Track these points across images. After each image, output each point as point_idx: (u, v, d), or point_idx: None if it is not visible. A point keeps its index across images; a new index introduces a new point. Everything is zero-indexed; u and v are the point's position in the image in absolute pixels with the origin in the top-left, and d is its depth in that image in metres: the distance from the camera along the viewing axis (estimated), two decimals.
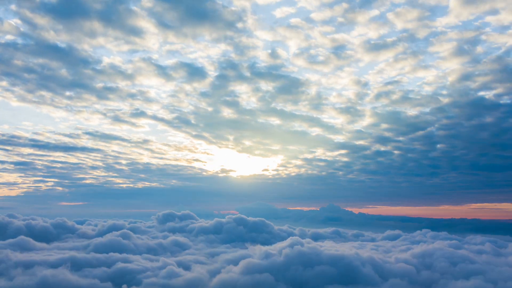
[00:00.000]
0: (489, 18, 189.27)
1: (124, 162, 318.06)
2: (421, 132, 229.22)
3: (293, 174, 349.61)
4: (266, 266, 44.22)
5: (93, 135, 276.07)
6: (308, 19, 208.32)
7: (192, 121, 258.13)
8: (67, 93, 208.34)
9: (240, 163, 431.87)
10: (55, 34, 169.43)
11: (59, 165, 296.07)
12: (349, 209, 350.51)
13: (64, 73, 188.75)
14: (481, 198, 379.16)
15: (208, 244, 77.28)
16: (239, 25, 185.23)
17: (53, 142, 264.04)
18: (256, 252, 50.13)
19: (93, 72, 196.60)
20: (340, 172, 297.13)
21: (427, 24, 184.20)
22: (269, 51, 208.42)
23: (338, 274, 42.72)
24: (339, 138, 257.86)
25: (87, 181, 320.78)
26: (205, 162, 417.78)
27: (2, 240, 67.50)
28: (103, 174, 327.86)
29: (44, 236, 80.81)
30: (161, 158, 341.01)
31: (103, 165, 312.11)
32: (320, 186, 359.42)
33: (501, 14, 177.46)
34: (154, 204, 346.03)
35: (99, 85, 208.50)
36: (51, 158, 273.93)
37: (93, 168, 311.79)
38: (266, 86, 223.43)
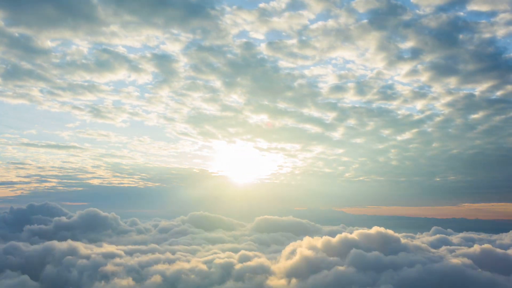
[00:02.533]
0: (468, 7, 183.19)
1: (124, 162, 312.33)
2: (415, 130, 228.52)
3: (288, 174, 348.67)
4: None
5: (87, 133, 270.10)
6: (279, 6, 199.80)
7: (177, 118, 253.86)
8: (37, 88, 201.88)
9: (236, 163, 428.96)
10: (12, 25, 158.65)
11: (58, 163, 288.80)
12: (346, 210, 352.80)
13: (27, 66, 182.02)
14: (478, 198, 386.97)
15: None
16: (212, 12, 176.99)
17: (47, 139, 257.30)
18: None
19: (60, 66, 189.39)
20: (336, 173, 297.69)
21: (400, 12, 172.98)
22: (244, 40, 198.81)
23: None
24: (334, 136, 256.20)
25: (89, 181, 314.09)
26: (202, 162, 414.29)
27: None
28: (104, 174, 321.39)
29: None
30: (159, 157, 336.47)
31: (103, 165, 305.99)
32: (316, 186, 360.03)
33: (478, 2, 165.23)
34: (153, 204, 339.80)
35: (68, 80, 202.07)
36: (50, 157, 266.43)
37: (95, 167, 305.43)
38: (246, 80, 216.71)
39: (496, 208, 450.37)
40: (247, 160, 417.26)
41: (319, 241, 53.31)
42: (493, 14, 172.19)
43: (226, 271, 47.85)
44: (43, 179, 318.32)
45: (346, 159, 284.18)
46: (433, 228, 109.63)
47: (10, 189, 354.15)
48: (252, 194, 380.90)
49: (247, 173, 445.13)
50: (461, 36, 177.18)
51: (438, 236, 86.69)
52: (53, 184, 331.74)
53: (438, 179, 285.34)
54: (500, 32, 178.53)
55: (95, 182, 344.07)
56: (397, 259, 45.32)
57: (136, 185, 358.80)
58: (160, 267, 50.94)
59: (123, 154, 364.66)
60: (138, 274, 49.79)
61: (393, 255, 47.54)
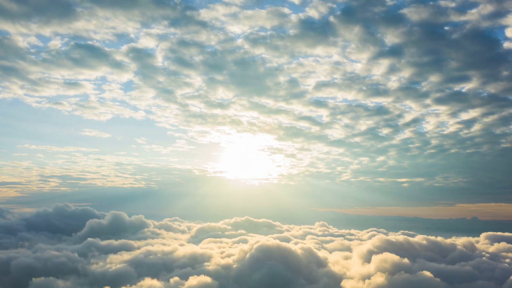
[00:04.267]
0: None
1: (125, 162, 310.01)
2: (411, 129, 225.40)
3: (286, 174, 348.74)
4: None
5: (83, 131, 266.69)
6: None
7: (167, 116, 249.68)
8: (17, 85, 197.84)
9: (233, 163, 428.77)
10: None
11: (61, 163, 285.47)
12: (347, 211, 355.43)
13: (3, 63, 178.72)
14: (475, 199, 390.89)
15: None
16: (189, 5, 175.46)
17: (42, 137, 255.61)
18: None
19: (37, 63, 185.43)
20: (335, 173, 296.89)
21: (379, 3, 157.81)
22: (223, 34, 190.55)
23: None
24: (331, 136, 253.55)
25: (93, 182, 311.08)
26: (201, 161, 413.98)
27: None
28: (107, 174, 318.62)
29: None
30: (158, 156, 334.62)
31: (106, 165, 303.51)
32: (314, 187, 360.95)
33: None
34: (156, 204, 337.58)
35: (48, 77, 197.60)
36: (51, 156, 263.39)
37: (98, 167, 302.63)
38: (230, 76, 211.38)
39: (493, 209, 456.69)
40: (245, 160, 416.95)
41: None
42: (480, 4, 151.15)
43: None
44: (46, 179, 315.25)
45: (345, 159, 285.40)
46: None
47: (15, 189, 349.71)
48: (251, 195, 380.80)
49: (245, 173, 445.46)
50: (446, 29, 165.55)
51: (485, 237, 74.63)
52: (57, 184, 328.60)
53: (437, 179, 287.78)
54: (489, 24, 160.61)
55: (99, 182, 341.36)
56: (472, 269, 45.55)
57: (139, 185, 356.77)
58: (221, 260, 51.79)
59: (123, 154, 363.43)
60: (198, 265, 50.82)
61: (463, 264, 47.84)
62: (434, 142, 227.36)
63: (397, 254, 49.74)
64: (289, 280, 44.94)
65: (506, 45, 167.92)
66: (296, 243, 62.13)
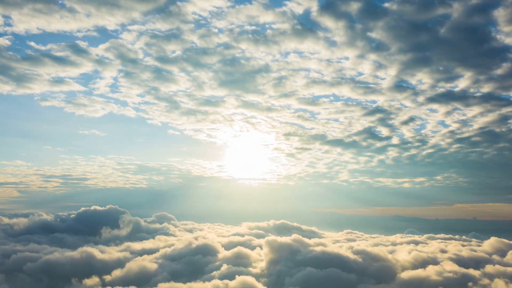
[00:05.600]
0: None
1: (125, 162, 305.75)
2: (409, 128, 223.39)
3: (285, 175, 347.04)
4: None
5: (80, 130, 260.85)
6: None
7: (158, 114, 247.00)
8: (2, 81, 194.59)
9: (231, 163, 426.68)
10: None
11: (62, 163, 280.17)
12: (348, 211, 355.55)
13: None
14: (473, 199, 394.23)
15: None
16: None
17: (40, 136, 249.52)
18: None
19: (19, 60, 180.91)
20: (332, 173, 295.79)
21: None
22: (205, 29, 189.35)
23: None
24: (329, 136, 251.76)
25: (94, 182, 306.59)
26: (199, 161, 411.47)
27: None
28: (107, 174, 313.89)
29: None
30: (157, 156, 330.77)
31: (107, 165, 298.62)
32: (314, 188, 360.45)
33: None
34: (160, 204, 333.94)
35: (34, 74, 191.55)
36: (51, 156, 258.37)
37: (100, 167, 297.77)
38: (217, 73, 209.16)
39: (491, 209, 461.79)
40: (243, 160, 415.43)
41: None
42: None
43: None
44: (47, 179, 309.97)
45: (344, 158, 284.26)
46: (472, 233, 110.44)
47: (16, 189, 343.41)
48: (250, 196, 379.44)
49: (244, 173, 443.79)
50: (432, 22, 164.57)
51: None
52: (58, 184, 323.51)
53: (436, 179, 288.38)
54: (477, 17, 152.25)
55: (100, 182, 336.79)
56: None
57: (141, 185, 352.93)
58: None
59: (123, 153, 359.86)
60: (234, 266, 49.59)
61: None
62: (432, 141, 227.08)
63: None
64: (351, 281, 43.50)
65: (499, 38, 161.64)
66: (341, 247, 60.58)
